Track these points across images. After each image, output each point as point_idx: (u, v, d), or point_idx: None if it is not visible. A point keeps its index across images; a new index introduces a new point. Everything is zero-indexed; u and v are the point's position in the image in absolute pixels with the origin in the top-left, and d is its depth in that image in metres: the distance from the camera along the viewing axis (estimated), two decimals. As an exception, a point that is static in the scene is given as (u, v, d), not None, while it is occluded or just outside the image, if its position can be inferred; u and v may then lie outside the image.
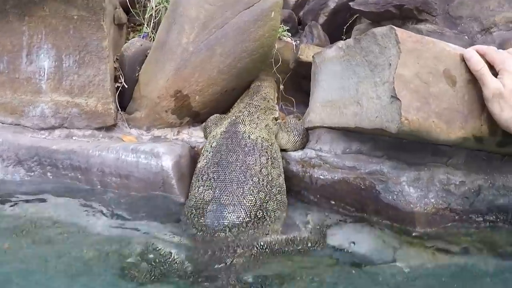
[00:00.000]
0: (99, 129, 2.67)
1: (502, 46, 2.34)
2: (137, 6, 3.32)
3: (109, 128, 2.70)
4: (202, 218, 1.81)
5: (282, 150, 2.32)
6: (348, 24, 3.23)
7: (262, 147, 2.04)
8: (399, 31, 1.73)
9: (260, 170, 1.93)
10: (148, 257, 1.65)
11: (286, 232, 1.87)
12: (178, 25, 2.56)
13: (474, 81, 1.74)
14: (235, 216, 1.78)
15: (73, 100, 2.60)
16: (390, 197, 1.87)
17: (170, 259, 1.62)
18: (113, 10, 2.75)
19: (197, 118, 2.78)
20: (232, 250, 1.63)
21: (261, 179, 1.90)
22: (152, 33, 3.12)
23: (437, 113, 1.71)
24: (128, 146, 2.33)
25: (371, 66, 1.92)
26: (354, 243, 1.79)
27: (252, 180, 1.88)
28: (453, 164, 1.95)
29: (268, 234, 1.77)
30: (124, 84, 2.79)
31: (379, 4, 2.56)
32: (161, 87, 2.60)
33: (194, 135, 2.72)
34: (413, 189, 1.86)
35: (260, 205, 1.84)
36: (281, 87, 3.05)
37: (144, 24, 3.20)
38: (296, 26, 3.44)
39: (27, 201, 2.11)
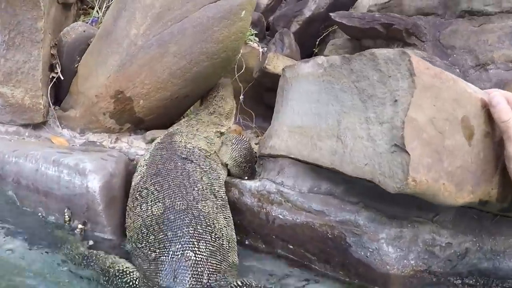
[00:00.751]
0: (25, 126, 2.19)
1: (499, 86, 2.01)
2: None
3: (37, 125, 2.22)
4: (161, 234, 1.53)
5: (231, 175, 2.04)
6: (322, 37, 2.86)
7: (199, 156, 1.84)
8: (415, 59, 1.32)
9: (201, 178, 1.73)
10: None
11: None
12: (129, 12, 2.07)
13: (492, 135, 1.39)
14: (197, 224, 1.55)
15: (-4, 88, 2.11)
16: (363, 253, 1.60)
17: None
18: (55, -14, 2.28)
19: (140, 125, 2.31)
20: None
21: (204, 187, 1.70)
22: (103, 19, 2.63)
23: (449, 173, 1.35)
24: (49, 156, 1.84)
25: (362, 96, 1.52)
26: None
27: (196, 186, 1.68)
28: (440, 221, 1.60)
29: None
30: (60, 76, 2.30)
31: (365, 20, 2.18)
32: (101, 85, 2.12)
33: (134, 145, 2.25)
34: (392, 249, 1.57)
35: (213, 215, 1.63)
36: (241, 98, 2.65)
37: (95, 7, 2.72)
38: (264, 31, 3.03)
39: None
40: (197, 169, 1.77)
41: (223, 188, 1.84)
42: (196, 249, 1.48)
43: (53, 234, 1.78)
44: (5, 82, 2.11)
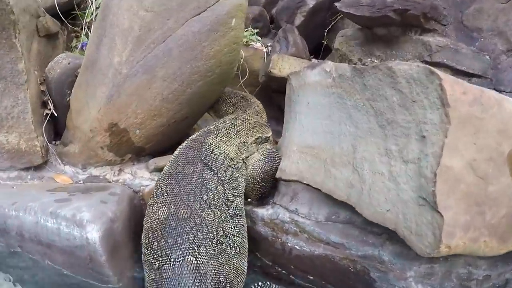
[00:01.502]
0: (26, 169, 2.06)
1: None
2: (83, 6, 2.63)
3: (39, 166, 2.08)
4: (162, 240, 1.51)
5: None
6: (330, 26, 2.53)
7: (222, 164, 1.74)
8: (447, 81, 1.02)
9: (216, 187, 1.66)
10: None
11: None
12: (109, 39, 1.85)
13: None
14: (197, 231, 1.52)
15: (-10, 138, 1.96)
16: None
17: None
18: (34, 19, 2.05)
19: (142, 153, 2.11)
20: None
21: (216, 196, 1.63)
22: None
23: (492, 226, 1.09)
24: (47, 208, 1.72)
25: (380, 120, 1.26)
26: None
27: (207, 195, 1.62)
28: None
29: None
30: (54, 112, 2.12)
31: (375, 7, 1.85)
32: (93, 118, 1.92)
33: (138, 175, 2.06)
34: (422, 286, 1.36)
35: (218, 223, 1.57)
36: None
37: (83, 30, 2.50)
38: (268, 25, 2.72)
39: None
40: (214, 178, 1.67)
41: (240, 197, 1.75)
42: (196, 253, 1.46)
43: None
44: (-3, 130, 1.95)
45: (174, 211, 1.56)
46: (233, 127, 1.91)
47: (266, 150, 1.94)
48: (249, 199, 1.90)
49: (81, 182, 2.05)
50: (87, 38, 2.42)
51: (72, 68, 2.08)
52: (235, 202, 1.70)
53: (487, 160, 1.06)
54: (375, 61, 2.08)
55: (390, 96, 1.22)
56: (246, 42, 2.40)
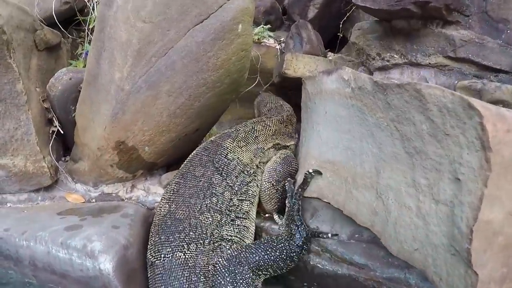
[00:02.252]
0: (36, 190, 1.95)
1: None
2: (86, 11, 2.47)
3: (49, 186, 1.96)
4: (157, 236, 1.53)
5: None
6: (345, 18, 2.31)
7: (234, 169, 1.69)
8: (488, 118, 0.84)
9: (223, 193, 1.63)
10: None
11: None
12: (108, 53, 1.69)
13: None
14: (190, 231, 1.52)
15: (-4, 161, 1.84)
16: None
17: None
18: (30, 34, 1.90)
19: (154, 167, 1.97)
20: None
21: (220, 201, 1.61)
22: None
23: None
24: (57, 239, 1.61)
25: (407, 146, 1.10)
26: None
27: (211, 200, 1.60)
28: None
29: None
30: (60, 129, 2.00)
31: (393, 0, 1.64)
32: (100, 137, 1.78)
33: (151, 191, 1.94)
34: None
35: (215, 226, 1.56)
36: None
37: (86, 39, 2.34)
38: (281, 17, 2.52)
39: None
40: (222, 184, 1.65)
41: (249, 201, 1.70)
42: (185, 250, 1.47)
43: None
44: (2, 154, 1.84)
45: (173, 210, 1.56)
46: (252, 132, 1.84)
47: (283, 154, 1.84)
48: (267, 214, 1.76)
49: (94, 200, 1.94)
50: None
51: (74, 84, 1.94)
52: (240, 205, 1.67)
53: None
54: (395, 56, 1.89)
55: (418, 123, 1.06)
56: (258, 39, 2.22)
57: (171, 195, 1.61)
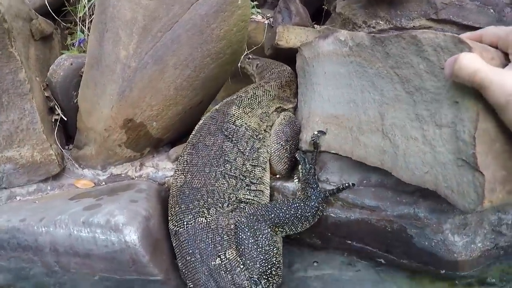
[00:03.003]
0: (44, 180, 1.92)
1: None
2: (72, 1, 2.45)
3: (57, 175, 1.94)
4: (177, 207, 1.58)
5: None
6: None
7: (243, 135, 1.71)
8: (476, 48, 0.97)
9: (235, 159, 1.66)
10: None
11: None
12: (111, 33, 1.70)
13: None
14: (208, 197, 1.57)
15: (3, 155, 1.81)
16: (427, 243, 1.43)
17: None
18: (27, 23, 1.89)
19: (160, 144, 2.00)
20: None
21: (233, 167, 1.64)
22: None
23: None
24: (78, 218, 1.59)
25: (407, 86, 1.19)
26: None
27: (224, 166, 1.63)
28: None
29: None
30: (63, 117, 2.00)
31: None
32: (107, 117, 1.80)
33: (161, 167, 1.95)
34: (459, 237, 1.39)
35: (231, 191, 1.61)
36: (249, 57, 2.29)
37: (78, 26, 2.33)
38: (264, -6, 2.59)
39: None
40: (234, 150, 1.67)
41: (261, 167, 1.73)
42: (206, 214, 1.53)
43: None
44: (8, 146, 1.81)
45: (189, 180, 1.59)
46: (255, 97, 1.86)
47: (287, 115, 1.89)
48: (277, 176, 1.81)
49: (103, 183, 1.94)
50: (83, 34, 2.27)
51: (76, 69, 1.93)
52: (253, 171, 1.69)
53: None
54: (381, 22, 1.98)
55: (416, 64, 1.15)
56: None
57: (185, 166, 1.64)
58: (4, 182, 1.86)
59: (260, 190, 1.68)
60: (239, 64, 2.29)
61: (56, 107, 1.98)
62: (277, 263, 1.47)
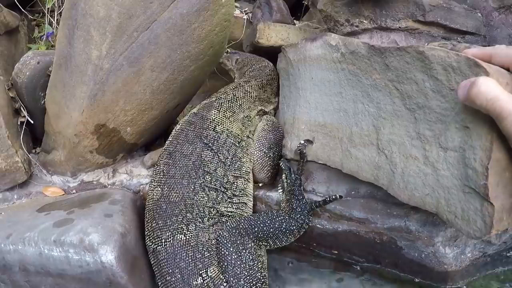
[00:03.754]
0: (11, 189, 1.77)
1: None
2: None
3: (24, 183, 1.79)
4: (153, 222, 1.47)
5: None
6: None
7: (224, 143, 1.60)
8: (493, 74, 0.88)
9: (215, 169, 1.54)
10: None
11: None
12: (83, 31, 1.55)
13: None
14: (187, 212, 1.46)
15: (-35, 163, 1.65)
16: (417, 255, 1.40)
17: None
18: (-12, 17, 1.73)
19: (134, 149, 1.86)
20: None
21: (213, 179, 1.52)
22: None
23: None
24: (48, 237, 1.45)
25: (408, 103, 1.11)
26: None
27: (204, 178, 1.51)
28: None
29: None
30: (29, 119, 1.84)
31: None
32: (77, 122, 1.65)
33: (135, 174, 1.82)
34: (449, 249, 1.37)
35: (212, 204, 1.49)
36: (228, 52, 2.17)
37: (46, 19, 2.15)
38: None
39: None
40: (214, 159, 1.55)
41: (243, 178, 1.61)
42: (185, 231, 1.42)
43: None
44: (-29, 153, 1.65)
45: (166, 193, 1.48)
46: (235, 100, 1.73)
47: (269, 120, 1.77)
48: (260, 184, 1.71)
49: (74, 191, 1.80)
50: (51, 27, 2.09)
51: (43, 68, 1.77)
52: (236, 183, 1.58)
53: None
54: (364, 21, 1.89)
55: (420, 81, 1.07)
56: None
57: (161, 177, 1.52)
58: (-33, 190, 1.70)
59: (243, 202, 1.58)
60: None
61: (22, 108, 1.81)
62: (262, 278, 1.38)
